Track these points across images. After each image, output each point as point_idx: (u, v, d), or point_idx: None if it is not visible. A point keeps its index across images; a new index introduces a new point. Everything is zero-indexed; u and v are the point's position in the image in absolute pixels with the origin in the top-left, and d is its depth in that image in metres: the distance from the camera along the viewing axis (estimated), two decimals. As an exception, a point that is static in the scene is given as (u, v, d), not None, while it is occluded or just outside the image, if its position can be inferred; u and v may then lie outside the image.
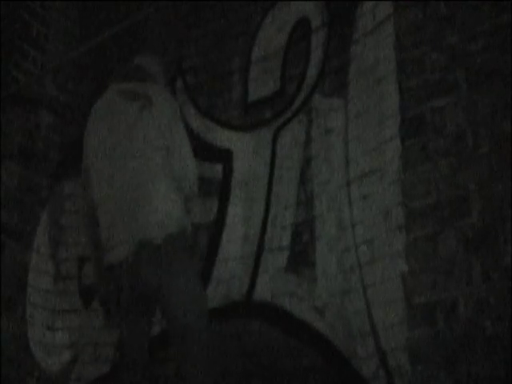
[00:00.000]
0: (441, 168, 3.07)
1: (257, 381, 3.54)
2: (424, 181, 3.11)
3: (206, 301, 3.03)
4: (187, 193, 3.11)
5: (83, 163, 3.22)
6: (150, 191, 3.01)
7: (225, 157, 4.07)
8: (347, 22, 3.75)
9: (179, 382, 3.70)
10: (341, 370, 3.31)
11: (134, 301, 3.00)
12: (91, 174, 3.14)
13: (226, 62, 4.27)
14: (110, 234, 3.03)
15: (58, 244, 4.38)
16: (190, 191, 3.12)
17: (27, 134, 4.30)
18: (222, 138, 4.14)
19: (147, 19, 4.28)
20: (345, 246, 3.44)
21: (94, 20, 4.71)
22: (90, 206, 3.15)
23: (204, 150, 4.16)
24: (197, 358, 2.90)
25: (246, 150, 4.01)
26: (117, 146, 3.12)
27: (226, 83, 4.22)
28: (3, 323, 3.91)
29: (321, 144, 3.71)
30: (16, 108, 4.23)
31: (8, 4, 4.27)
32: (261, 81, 4.10)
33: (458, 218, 2.96)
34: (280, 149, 3.87)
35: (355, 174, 3.49)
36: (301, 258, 3.61)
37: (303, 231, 3.64)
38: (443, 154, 3.08)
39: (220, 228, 3.95)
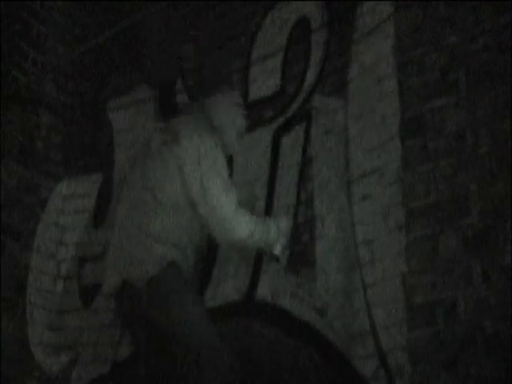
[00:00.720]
0: (441, 168, 3.07)
1: (257, 381, 3.53)
2: (424, 181, 3.11)
3: (208, 325, 3.09)
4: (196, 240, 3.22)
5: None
6: (146, 227, 3.08)
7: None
8: (347, 22, 3.75)
9: (179, 382, 3.70)
10: (341, 370, 3.30)
11: (134, 324, 3.14)
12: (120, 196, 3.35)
13: (226, 62, 4.27)
14: (108, 259, 3.20)
15: (58, 244, 4.38)
16: (199, 239, 3.25)
17: (27, 134, 4.30)
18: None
19: (147, 19, 4.27)
20: (345, 245, 3.44)
21: (94, 20, 4.71)
22: None
23: (204, 150, 4.16)
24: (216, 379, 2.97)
25: (245, 149, 4.01)
26: (141, 174, 3.24)
27: (226, 83, 4.22)
28: (3, 323, 3.91)
29: (321, 144, 3.70)
30: (16, 108, 4.23)
31: (8, 4, 4.27)
32: (261, 81, 4.09)
33: (458, 217, 2.96)
34: (280, 149, 3.87)
35: (355, 174, 3.49)
36: (301, 258, 3.60)
37: (303, 231, 3.64)
38: (443, 154, 3.08)
39: (220, 228, 3.94)
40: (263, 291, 3.68)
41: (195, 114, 3.45)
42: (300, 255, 3.62)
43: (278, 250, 3.39)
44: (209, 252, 3.94)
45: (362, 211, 3.40)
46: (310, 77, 3.87)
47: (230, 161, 4.04)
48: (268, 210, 3.80)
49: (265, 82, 4.07)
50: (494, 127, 2.95)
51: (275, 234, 3.34)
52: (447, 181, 3.03)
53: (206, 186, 3.14)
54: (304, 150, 3.77)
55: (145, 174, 3.21)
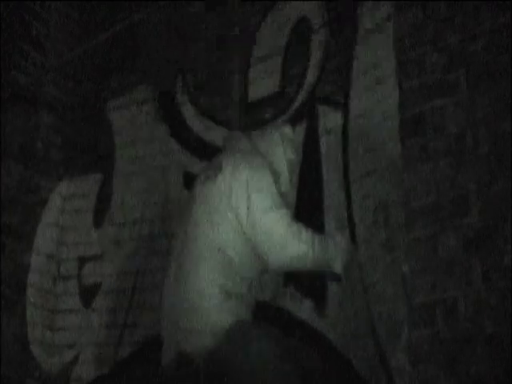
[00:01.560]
0: (441, 168, 3.07)
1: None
2: (424, 181, 3.11)
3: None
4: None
5: None
6: (200, 292, 2.77)
7: (225, 157, 4.06)
8: (347, 22, 3.75)
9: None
10: (341, 370, 3.31)
11: None
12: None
13: (226, 61, 4.27)
14: (163, 326, 2.92)
15: (58, 244, 4.38)
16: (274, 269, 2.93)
17: (27, 134, 4.30)
18: (222, 138, 4.13)
19: (147, 19, 4.27)
20: (345, 245, 3.44)
21: (94, 20, 4.71)
22: None
23: (204, 150, 4.16)
24: None
25: (245, 150, 4.01)
26: (189, 219, 2.95)
27: (226, 83, 4.22)
28: (3, 323, 3.91)
29: (321, 144, 3.71)
30: (16, 108, 4.23)
31: (8, 4, 4.27)
32: (261, 81, 4.10)
33: (458, 217, 2.96)
34: (280, 149, 3.87)
35: (355, 174, 3.49)
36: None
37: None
38: (443, 154, 3.08)
39: (220, 228, 3.94)
40: (263, 291, 3.68)
41: (241, 146, 3.10)
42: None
43: (338, 268, 2.94)
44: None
45: (362, 211, 3.41)
46: (310, 77, 3.87)
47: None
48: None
49: (265, 82, 4.07)
50: (494, 127, 2.94)
51: (334, 250, 2.92)
52: (447, 181, 3.03)
53: (252, 203, 2.82)
54: (304, 150, 3.77)
55: (192, 221, 2.91)
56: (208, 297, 2.76)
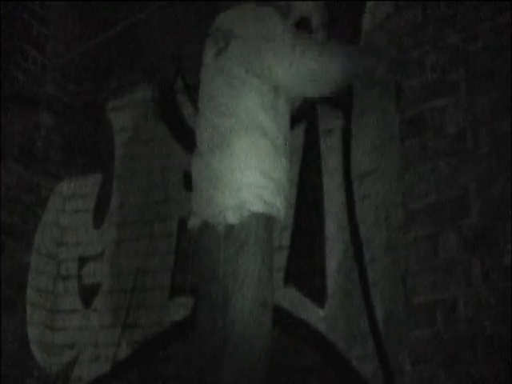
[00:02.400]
0: (441, 168, 3.06)
1: (257, 381, 3.53)
2: (424, 181, 3.11)
3: (268, 317, 2.73)
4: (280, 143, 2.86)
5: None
6: (233, 163, 2.75)
7: (225, 157, 4.06)
8: (347, 22, 3.75)
9: (179, 382, 3.71)
10: (341, 369, 3.31)
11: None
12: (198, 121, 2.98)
13: (226, 61, 4.26)
14: (192, 197, 2.90)
15: (58, 244, 4.38)
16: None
17: (27, 134, 4.30)
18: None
19: (147, 19, 4.27)
20: (345, 246, 3.44)
21: (94, 20, 4.71)
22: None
23: (204, 150, 4.16)
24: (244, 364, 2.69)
25: (246, 149, 4.01)
26: (211, 103, 2.90)
27: None
28: (3, 323, 3.91)
29: (321, 144, 3.70)
30: (16, 108, 4.23)
31: (8, 4, 4.27)
32: (261, 81, 4.09)
33: (458, 217, 2.96)
34: (280, 149, 3.87)
35: (355, 174, 3.49)
36: (302, 259, 3.61)
37: (305, 232, 3.65)
38: (443, 154, 3.07)
39: (220, 228, 3.94)
40: (263, 291, 3.67)
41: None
42: (301, 255, 3.63)
43: None
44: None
45: (362, 211, 3.41)
46: (310, 77, 3.86)
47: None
48: (268, 210, 3.80)
49: (265, 82, 4.06)
50: (494, 127, 2.94)
51: None
52: (447, 181, 3.03)
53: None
54: (304, 150, 3.76)
55: (214, 100, 2.87)
56: (242, 173, 2.77)
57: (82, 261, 4.33)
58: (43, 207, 4.34)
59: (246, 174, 2.79)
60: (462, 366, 2.80)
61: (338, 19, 3.82)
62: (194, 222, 2.90)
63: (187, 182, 4.14)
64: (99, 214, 4.40)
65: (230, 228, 2.74)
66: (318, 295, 3.48)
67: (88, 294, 4.24)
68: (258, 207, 2.76)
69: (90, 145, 4.59)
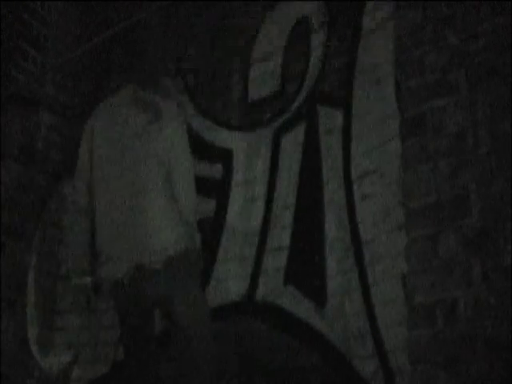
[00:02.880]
0: (441, 168, 3.07)
1: (256, 381, 3.53)
2: (424, 181, 3.11)
3: (207, 310, 3.15)
4: (183, 214, 3.10)
5: (81, 158, 3.23)
6: (150, 210, 3.02)
7: (225, 157, 4.07)
8: (347, 22, 3.75)
9: (179, 381, 3.70)
10: (341, 369, 3.31)
11: (134, 312, 3.10)
12: (93, 176, 3.16)
13: (226, 61, 4.27)
14: (107, 246, 3.08)
15: (58, 244, 4.38)
16: (185, 213, 3.10)
17: (27, 134, 4.30)
18: (222, 137, 4.14)
19: (147, 19, 4.27)
20: (345, 246, 3.44)
21: (94, 20, 4.71)
22: (87, 209, 3.19)
23: (204, 150, 4.16)
24: (197, 360, 3.01)
25: (245, 149, 4.01)
26: (121, 155, 3.11)
27: (226, 83, 4.22)
28: (3, 323, 3.91)
29: (321, 144, 3.70)
30: (16, 108, 4.23)
31: (8, 4, 4.27)
32: (261, 81, 4.10)
33: (458, 217, 2.96)
34: (280, 149, 3.87)
35: (355, 174, 3.49)
36: (303, 259, 3.61)
37: (305, 232, 3.65)
38: (443, 154, 3.08)
39: (220, 228, 3.95)
40: (263, 291, 3.68)
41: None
42: (301, 255, 3.63)
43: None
44: (209, 252, 3.95)
45: (362, 211, 3.41)
46: (310, 77, 3.87)
47: (230, 161, 4.06)
48: (268, 210, 3.81)
49: (265, 82, 4.07)
50: (494, 127, 2.95)
51: None
52: (447, 181, 3.03)
53: (186, 169, 3.14)
54: (304, 150, 3.77)
55: (131, 154, 3.09)
56: (160, 213, 3.05)
57: (82, 261, 4.33)
58: (43, 207, 4.34)
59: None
60: (462, 366, 2.80)
61: (338, 19, 3.82)
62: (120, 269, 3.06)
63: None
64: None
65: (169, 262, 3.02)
66: (318, 295, 3.48)
67: (88, 294, 4.24)
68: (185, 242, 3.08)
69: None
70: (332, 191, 3.58)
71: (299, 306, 3.53)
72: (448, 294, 2.91)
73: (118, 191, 3.08)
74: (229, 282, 3.81)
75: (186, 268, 3.04)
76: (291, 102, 3.91)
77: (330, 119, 3.70)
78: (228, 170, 4.04)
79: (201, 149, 4.18)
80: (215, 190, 4.05)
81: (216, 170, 4.09)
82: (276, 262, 3.68)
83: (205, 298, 3.20)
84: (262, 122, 4.00)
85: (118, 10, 4.62)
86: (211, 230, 3.98)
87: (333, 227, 3.52)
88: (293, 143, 3.83)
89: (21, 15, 4.36)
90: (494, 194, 2.88)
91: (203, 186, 4.08)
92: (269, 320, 3.61)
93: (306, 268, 3.57)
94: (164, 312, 3.16)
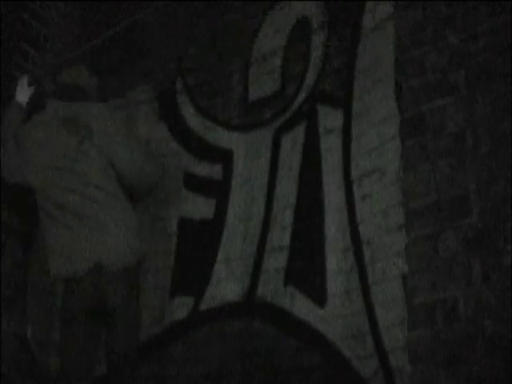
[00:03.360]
0: (441, 168, 3.07)
1: (257, 381, 3.53)
2: (424, 181, 3.11)
3: (136, 328, 3.37)
4: (138, 191, 3.44)
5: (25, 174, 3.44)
6: (107, 220, 3.24)
7: (225, 157, 4.07)
8: (347, 22, 3.75)
9: (179, 382, 3.71)
10: (341, 369, 3.31)
11: (87, 313, 3.23)
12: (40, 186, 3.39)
13: (226, 62, 4.27)
14: (61, 244, 3.27)
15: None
16: (140, 189, 3.47)
17: (27, 134, 4.29)
18: (222, 138, 4.14)
19: (147, 19, 4.27)
20: (345, 246, 3.44)
21: (94, 20, 4.71)
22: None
23: (204, 150, 4.16)
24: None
25: (246, 149, 4.01)
26: (62, 178, 3.33)
27: (226, 83, 4.22)
28: (3, 323, 3.90)
29: (321, 144, 3.70)
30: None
31: (8, 4, 4.27)
32: (261, 81, 4.10)
33: (458, 217, 2.96)
34: (280, 149, 3.87)
35: (355, 174, 3.49)
36: (303, 259, 3.61)
37: (305, 233, 3.65)
38: (443, 154, 3.08)
39: (220, 228, 3.95)
40: (263, 291, 3.68)
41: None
42: (301, 255, 3.63)
43: None
44: (209, 252, 3.95)
45: (362, 211, 3.41)
46: (310, 77, 3.87)
47: (230, 161, 4.06)
48: (268, 210, 3.80)
49: (265, 81, 4.07)
50: (494, 127, 2.95)
51: None
52: (447, 181, 3.03)
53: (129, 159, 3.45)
54: (304, 150, 3.77)
55: (73, 176, 3.34)
56: (118, 222, 3.30)
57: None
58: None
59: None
60: (462, 366, 2.80)
61: (338, 19, 3.82)
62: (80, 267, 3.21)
63: (187, 181, 4.15)
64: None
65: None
66: (318, 295, 3.48)
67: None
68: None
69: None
70: (332, 191, 3.58)
71: (299, 306, 3.53)
72: (448, 294, 2.91)
73: (72, 207, 3.31)
74: (229, 281, 3.81)
75: (136, 277, 3.28)
76: (291, 102, 3.91)
77: (329, 119, 3.70)
78: (228, 170, 4.04)
79: (201, 149, 4.18)
80: (215, 189, 4.04)
81: (216, 170, 4.08)
82: (276, 262, 3.68)
83: (140, 312, 3.39)
84: (262, 122, 4.00)
85: (118, 10, 4.61)
86: (211, 230, 3.98)
87: (333, 227, 3.52)
88: (293, 143, 3.82)
89: (21, 15, 4.35)
90: (494, 194, 2.88)
91: (203, 186, 4.09)
92: (269, 320, 3.61)
93: (306, 268, 3.57)
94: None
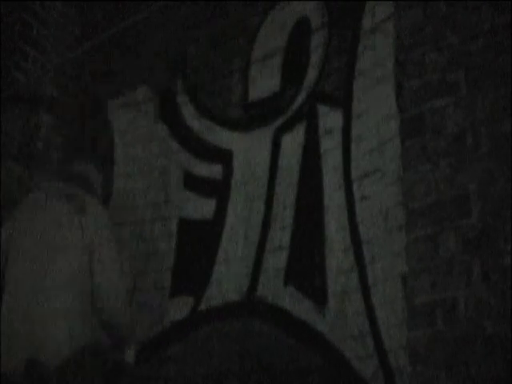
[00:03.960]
0: (441, 168, 3.07)
1: (257, 381, 3.54)
2: (424, 181, 3.11)
3: None
4: (103, 318, 3.02)
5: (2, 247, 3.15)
6: (53, 308, 2.93)
7: (225, 157, 4.07)
8: (347, 22, 3.75)
9: (179, 382, 3.71)
10: (341, 370, 3.31)
11: None
12: (7, 264, 3.09)
13: (226, 61, 4.27)
14: (7, 337, 2.95)
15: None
16: (107, 311, 3.02)
17: (27, 134, 4.30)
18: (222, 138, 4.14)
19: (147, 19, 4.27)
20: (345, 246, 3.44)
21: (94, 20, 4.71)
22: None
23: (204, 150, 4.16)
24: None
25: (246, 149, 4.01)
26: (37, 243, 3.07)
27: (226, 83, 4.23)
28: (3, 323, 3.89)
29: (321, 144, 3.71)
30: (16, 108, 4.23)
31: (8, 4, 4.27)
32: (261, 81, 4.10)
33: (458, 217, 2.96)
34: (280, 149, 3.87)
35: (355, 174, 3.49)
36: (304, 259, 3.61)
37: (306, 234, 3.65)
38: (443, 154, 3.08)
39: (220, 228, 3.95)
40: (263, 291, 3.68)
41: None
42: (301, 255, 3.63)
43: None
44: (209, 252, 3.95)
45: (362, 211, 3.41)
46: (310, 77, 3.87)
47: (230, 161, 4.06)
48: (268, 210, 3.81)
49: (265, 81, 4.07)
50: (494, 127, 2.95)
51: None
52: (447, 181, 3.03)
53: (111, 259, 3.08)
54: (304, 150, 3.77)
55: (51, 243, 3.05)
56: (65, 311, 2.94)
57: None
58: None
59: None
60: (462, 366, 2.80)
61: (338, 19, 3.82)
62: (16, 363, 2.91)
63: (187, 181, 4.15)
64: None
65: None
66: (318, 295, 3.48)
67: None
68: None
69: (90, 145, 4.59)
70: (332, 191, 3.58)
71: (299, 306, 3.53)
72: (448, 294, 2.91)
73: (29, 284, 2.99)
74: (229, 281, 3.81)
75: (84, 371, 2.92)
76: (291, 102, 3.91)
77: (329, 119, 3.70)
78: (228, 170, 4.04)
79: (201, 149, 4.18)
80: (215, 189, 4.05)
81: (216, 170, 4.08)
82: (276, 262, 3.68)
83: None
84: (262, 122, 4.00)
85: (117, 9, 4.62)
86: (211, 230, 3.98)
87: (333, 227, 3.52)
88: (293, 143, 3.83)
89: (21, 15, 4.36)
90: (494, 194, 2.87)
91: (203, 186, 4.09)
92: (269, 320, 3.61)
93: (306, 268, 3.57)
94: None
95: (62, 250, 3.03)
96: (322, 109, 3.76)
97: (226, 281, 3.82)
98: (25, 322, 2.93)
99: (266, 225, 3.79)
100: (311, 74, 3.87)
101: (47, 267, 3.00)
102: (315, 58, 3.88)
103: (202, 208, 4.06)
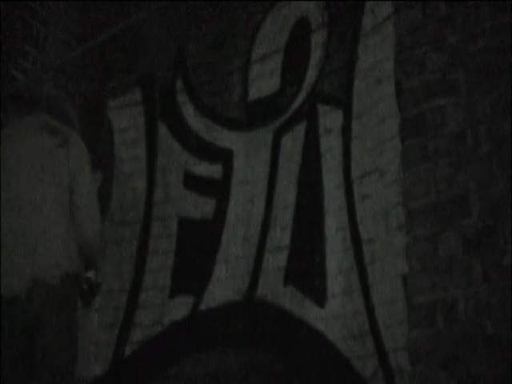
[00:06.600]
0: (441, 168, 3.07)
1: (256, 381, 3.54)
2: (424, 181, 3.11)
3: (74, 337, 3.10)
4: (81, 240, 3.14)
5: None
6: (49, 228, 3.07)
7: (225, 157, 4.07)
8: (347, 22, 3.75)
9: (179, 382, 3.71)
10: (341, 369, 3.31)
11: (21, 339, 2.99)
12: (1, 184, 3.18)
13: (226, 61, 4.27)
14: (4, 260, 3.03)
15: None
16: (87, 236, 3.17)
17: (27, 134, 4.29)
18: (222, 137, 4.14)
19: (147, 19, 4.27)
20: (345, 246, 3.44)
21: (94, 20, 4.71)
22: None
23: (204, 150, 4.16)
24: None
25: (245, 149, 4.01)
26: (25, 174, 3.17)
27: (226, 83, 4.23)
28: (3, 323, 3.89)
29: (321, 144, 3.71)
30: (16, 108, 4.22)
31: (8, 4, 4.27)
32: (261, 81, 4.10)
33: (458, 217, 2.96)
34: (280, 149, 3.87)
35: (355, 174, 3.49)
36: (304, 259, 3.61)
37: (305, 233, 3.65)
38: (443, 154, 3.08)
39: (220, 228, 3.95)
40: (263, 291, 3.68)
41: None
42: (301, 255, 3.63)
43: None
44: (209, 252, 3.95)
45: (362, 211, 3.41)
46: (310, 77, 3.87)
47: (230, 161, 4.06)
48: (268, 210, 3.81)
49: (265, 82, 4.07)
50: (494, 127, 2.95)
51: None
52: (447, 181, 3.03)
53: (90, 184, 3.29)
54: (304, 150, 3.77)
55: (37, 174, 3.16)
56: (59, 232, 3.10)
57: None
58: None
59: None
60: (462, 366, 2.80)
61: (338, 19, 3.82)
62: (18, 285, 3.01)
63: (187, 181, 4.15)
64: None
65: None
66: (318, 295, 3.48)
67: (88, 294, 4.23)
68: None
69: (89, 145, 4.58)
70: (332, 191, 3.58)
71: (299, 306, 3.53)
72: (448, 294, 2.91)
73: (19, 211, 3.11)
74: (229, 281, 3.82)
75: (72, 290, 3.11)
76: (291, 102, 3.91)
77: (329, 119, 3.71)
78: (228, 170, 4.04)
79: (201, 149, 4.18)
80: (215, 189, 4.05)
81: (216, 170, 4.09)
82: (276, 261, 3.69)
83: (78, 326, 3.14)
84: (262, 122, 4.00)
85: (117, 9, 4.61)
86: (211, 230, 3.98)
87: (333, 227, 3.52)
88: (293, 143, 3.83)
89: (21, 15, 4.35)
90: (494, 194, 2.87)
91: (203, 185, 4.09)
92: (269, 320, 3.61)
93: (306, 268, 3.58)
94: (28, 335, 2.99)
95: (49, 175, 3.15)
96: (322, 109, 3.76)
97: (226, 281, 3.83)
98: (25, 241, 3.04)
99: (265, 225, 3.79)
100: (311, 74, 3.88)
101: (33, 195, 3.12)
102: (315, 57, 3.88)
103: (202, 207, 4.06)
